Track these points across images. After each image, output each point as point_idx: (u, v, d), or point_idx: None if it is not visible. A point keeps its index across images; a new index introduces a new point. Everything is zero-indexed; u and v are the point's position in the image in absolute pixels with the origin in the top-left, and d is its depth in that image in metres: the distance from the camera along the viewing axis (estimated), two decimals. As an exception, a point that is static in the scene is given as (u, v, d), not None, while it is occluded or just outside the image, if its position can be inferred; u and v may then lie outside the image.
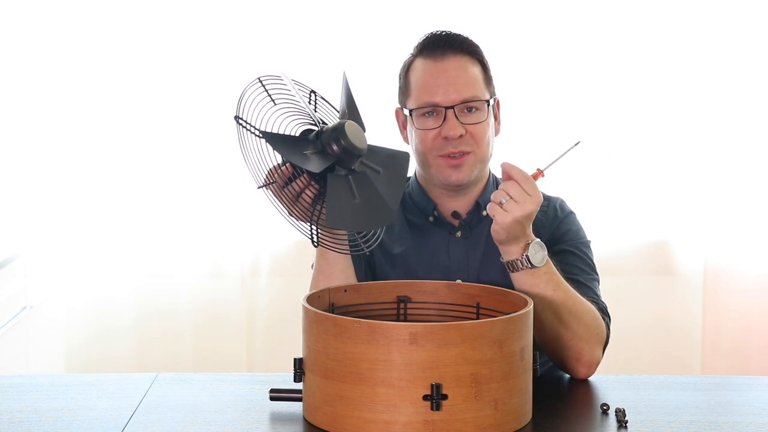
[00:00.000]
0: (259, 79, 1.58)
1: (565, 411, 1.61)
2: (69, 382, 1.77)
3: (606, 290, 3.54)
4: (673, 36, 3.54)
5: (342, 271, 1.80)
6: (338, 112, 1.68)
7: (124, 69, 3.49)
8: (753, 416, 1.60)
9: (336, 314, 1.56)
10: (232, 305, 3.53)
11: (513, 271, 1.72)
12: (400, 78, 1.97)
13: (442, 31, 1.94)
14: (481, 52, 1.94)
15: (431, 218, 1.96)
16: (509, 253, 1.71)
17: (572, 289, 1.76)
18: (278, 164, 1.60)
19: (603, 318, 1.82)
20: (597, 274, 1.96)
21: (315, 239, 1.62)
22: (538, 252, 1.70)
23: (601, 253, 3.61)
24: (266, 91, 1.57)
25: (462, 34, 1.95)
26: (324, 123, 1.62)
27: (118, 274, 3.54)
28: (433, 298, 1.72)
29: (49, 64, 3.47)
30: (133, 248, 3.56)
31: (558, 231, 1.96)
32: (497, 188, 1.97)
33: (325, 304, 1.65)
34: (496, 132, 1.98)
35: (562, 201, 2.05)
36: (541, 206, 1.93)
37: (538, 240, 1.71)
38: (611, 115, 3.57)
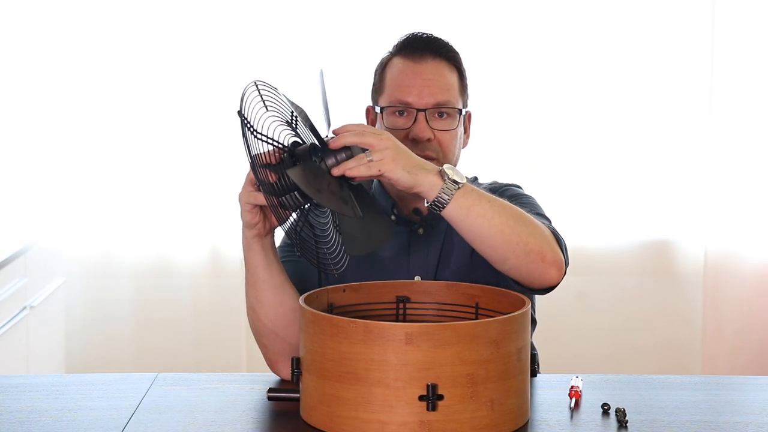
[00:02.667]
0: (255, 82, 1.54)
1: (565, 411, 1.61)
2: (69, 382, 1.77)
3: (606, 290, 3.59)
4: (671, 34, 3.55)
5: (264, 281, 1.71)
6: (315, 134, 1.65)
7: (120, 70, 3.51)
8: (753, 416, 1.60)
9: (334, 314, 1.56)
10: (232, 305, 3.53)
11: (444, 207, 1.57)
12: (375, 75, 1.96)
13: (423, 33, 1.92)
14: (460, 61, 1.93)
15: (393, 217, 1.93)
16: (431, 186, 1.57)
17: (499, 198, 1.67)
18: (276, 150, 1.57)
19: (554, 236, 1.72)
20: (546, 218, 1.84)
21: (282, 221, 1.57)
22: (453, 171, 1.59)
23: (601, 252, 3.64)
24: (260, 96, 1.55)
25: (443, 38, 1.93)
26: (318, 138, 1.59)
27: (118, 273, 3.55)
28: (432, 298, 1.71)
29: (45, 61, 3.49)
30: (133, 248, 3.56)
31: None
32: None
33: (323, 304, 1.65)
34: (464, 144, 1.95)
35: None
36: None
37: (446, 164, 1.61)
38: (610, 116, 3.58)
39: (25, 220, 3.49)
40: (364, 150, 1.56)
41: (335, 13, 3.53)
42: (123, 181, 3.54)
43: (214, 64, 3.52)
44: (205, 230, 3.56)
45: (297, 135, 1.59)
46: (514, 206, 1.67)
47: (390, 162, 1.54)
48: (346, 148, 1.55)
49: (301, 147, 1.58)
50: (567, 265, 1.72)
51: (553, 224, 1.81)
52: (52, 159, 3.53)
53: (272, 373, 1.78)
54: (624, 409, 1.58)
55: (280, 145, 1.55)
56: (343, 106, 3.48)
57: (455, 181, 1.57)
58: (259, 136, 1.52)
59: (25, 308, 3.12)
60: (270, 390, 1.63)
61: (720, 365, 3.56)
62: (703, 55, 3.54)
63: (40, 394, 1.69)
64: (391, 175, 1.55)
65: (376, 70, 1.96)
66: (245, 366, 3.58)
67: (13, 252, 3.00)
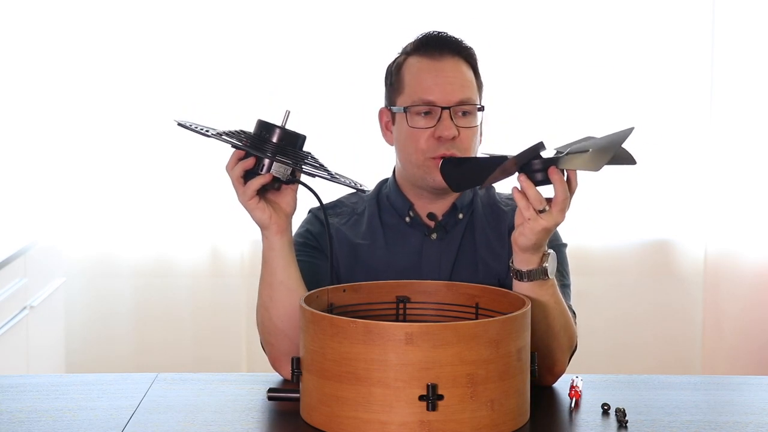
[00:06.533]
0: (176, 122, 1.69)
1: (565, 411, 1.61)
2: (69, 382, 1.77)
3: (606, 290, 3.59)
4: (671, 34, 3.55)
5: (281, 283, 1.73)
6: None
7: (120, 71, 3.52)
8: (753, 416, 1.60)
9: (334, 314, 1.56)
10: (232, 305, 3.54)
11: (521, 280, 1.65)
12: (390, 75, 1.93)
13: (439, 32, 1.91)
14: (476, 59, 1.92)
15: (407, 219, 1.91)
16: (529, 262, 1.63)
17: (563, 300, 1.73)
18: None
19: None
20: (569, 279, 1.91)
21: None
22: (551, 263, 1.64)
23: (601, 252, 3.64)
24: (188, 128, 1.68)
25: (459, 37, 1.92)
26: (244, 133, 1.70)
27: (118, 273, 3.55)
28: (433, 298, 1.71)
29: (45, 61, 3.49)
30: (133, 248, 3.56)
31: None
32: (475, 194, 1.95)
33: (323, 304, 1.65)
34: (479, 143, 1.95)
35: None
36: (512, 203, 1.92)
37: (552, 251, 1.66)
38: (610, 116, 3.57)
39: (25, 220, 3.49)
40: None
41: (339, 15, 3.52)
42: (123, 181, 3.54)
43: (213, 65, 3.52)
44: (205, 230, 3.56)
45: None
46: (567, 311, 1.73)
47: (541, 225, 1.59)
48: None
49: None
50: (574, 351, 1.80)
51: (571, 300, 1.87)
52: (52, 159, 3.53)
53: (272, 373, 1.78)
54: (624, 409, 1.58)
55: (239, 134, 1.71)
56: (350, 108, 3.51)
57: (546, 272, 1.64)
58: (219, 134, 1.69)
59: (25, 308, 3.12)
60: (270, 390, 1.63)
61: (720, 364, 3.56)
62: (703, 55, 3.53)
63: (40, 394, 1.69)
64: (527, 233, 1.60)
65: (389, 71, 1.93)
66: (245, 365, 3.58)
67: (13, 252, 3.00)
